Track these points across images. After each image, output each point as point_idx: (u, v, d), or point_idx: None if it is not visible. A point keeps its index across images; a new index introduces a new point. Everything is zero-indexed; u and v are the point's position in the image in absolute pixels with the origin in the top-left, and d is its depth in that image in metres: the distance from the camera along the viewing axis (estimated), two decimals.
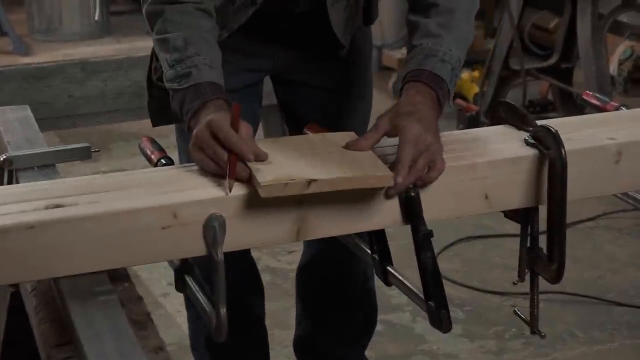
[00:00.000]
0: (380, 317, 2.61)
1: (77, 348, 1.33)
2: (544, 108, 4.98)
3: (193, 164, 1.61)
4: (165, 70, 1.72)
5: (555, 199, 1.62)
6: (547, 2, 4.83)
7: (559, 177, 1.62)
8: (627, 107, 1.95)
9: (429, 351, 3.05)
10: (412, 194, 1.58)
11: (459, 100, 5.02)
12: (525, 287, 1.75)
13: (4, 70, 3.46)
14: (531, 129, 1.70)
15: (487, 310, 3.29)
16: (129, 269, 1.58)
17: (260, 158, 1.54)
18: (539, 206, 1.70)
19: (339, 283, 2.46)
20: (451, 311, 1.60)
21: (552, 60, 4.79)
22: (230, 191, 1.49)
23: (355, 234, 1.76)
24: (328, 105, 2.21)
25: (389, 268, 1.73)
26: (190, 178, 1.56)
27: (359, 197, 1.56)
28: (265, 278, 2.53)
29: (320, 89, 2.21)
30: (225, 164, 1.52)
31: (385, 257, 1.74)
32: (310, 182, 1.48)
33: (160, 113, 1.95)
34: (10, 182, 1.80)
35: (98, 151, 1.91)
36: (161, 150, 1.74)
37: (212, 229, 1.48)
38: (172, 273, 1.63)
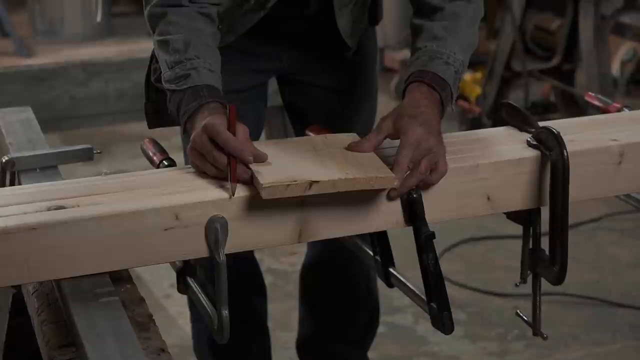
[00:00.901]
0: (382, 318, 2.61)
1: (79, 350, 1.33)
2: (546, 109, 4.98)
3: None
4: (164, 71, 1.72)
5: (558, 201, 1.62)
6: (549, 4, 4.83)
7: (561, 179, 1.61)
8: (630, 109, 1.94)
9: (431, 353, 3.05)
10: (414, 196, 1.58)
11: (461, 102, 5.02)
12: (527, 288, 1.75)
13: (6, 71, 3.46)
14: (533, 130, 1.70)
15: (489, 312, 3.29)
16: (131, 271, 1.58)
17: (260, 159, 1.54)
18: (541, 207, 1.70)
19: (342, 283, 2.46)
20: (453, 313, 1.60)
21: (555, 62, 4.79)
22: (233, 194, 1.49)
23: (357, 235, 1.76)
24: (334, 106, 2.21)
25: (391, 270, 1.73)
26: (192, 180, 1.56)
27: (361, 198, 1.56)
28: (267, 280, 2.53)
29: (326, 89, 2.21)
30: (225, 167, 1.52)
31: (387, 258, 1.74)
32: (311, 183, 1.48)
33: (157, 115, 1.95)
34: (12, 184, 1.80)
35: (100, 152, 1.91)
36: (163, 151, 1.74)
37: (214, 230, 1.48)
38: (174, 275, 1.63)
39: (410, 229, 1.60)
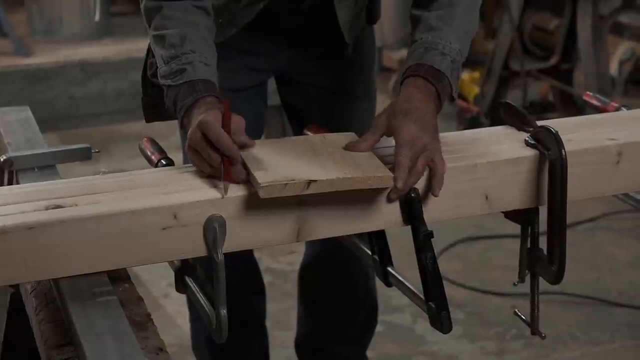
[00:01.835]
0: (380, 318, 2.61)
1: (77, 349, 1.33)
2: (544, 109, 4.99)
3: (188, 164, 1.61)
4: (160, 66, 1.71)
5: (556, 200, 1.62)
6: (547, 3, 4.83)
7: (560, 178, 1.62)
8: (628, 108, 1.95)
9: (429, 352, 3.05)
10: (412, 195, 1.58)
11: (459, 101, 5.03)
12: (525, 288, 1.75)
13: (4, 71, 3.46)
14: (531, 129, 1.70)
15: (487, 311, 3.29)
16: (129, 270, 1.58)
17: (247, 145, 1.54)
18: (539, 207, 1.70)
19: (340, 282, 2.46)
20: (451, 312, 1.60)
21: (553, 61, 4.79)
22: (225, 193, 1.49)
23: (356, 234, 1.76)
24: (332, 106, 2.21)
25: (389, 269, 1.73)
26: (190, 179, 1.56)
27: (359, 198, 1.56)
28: (265, 279, 2.53)
29: (325, 89, 2.21)
30: (219, 166, 1.52)
31: (385, 258, 1.74)
32: (309, 182, 1.48)
33: (154, 109, 1.95)
34: (10, 183, 1.80)
35: (98, 152, 1.91)
36: (161, 151, 1.74)
37: (213, 229, 1.48)
38: (172, 274, 1.63)
39: (408, 228, 1.60)
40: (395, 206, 1.59)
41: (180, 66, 1.67)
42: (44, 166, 1.80)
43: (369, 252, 1.76)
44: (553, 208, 1.63)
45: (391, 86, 5.51)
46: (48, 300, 1.52)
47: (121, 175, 1.60)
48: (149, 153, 1.75)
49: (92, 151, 1.88)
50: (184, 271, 1.60)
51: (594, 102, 2.00)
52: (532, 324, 1.75)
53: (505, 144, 1.71)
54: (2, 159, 1.79)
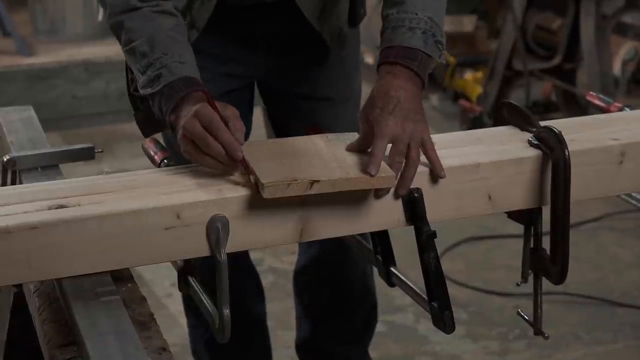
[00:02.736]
0: (383, 317, 2.60)
1: (80, 349, 1.33)
2: (547, 109, 4.98)
3: (191, 164, 1.60)
4: (138, 78, 1.70)
5: (559, 200, 1.62)
6: (550, 3, 4.83)
7: (563, 178, 1.61)
8: (631, 108, 1.94)
9: (432, 352, 3.05)
10: (415, 195, 1.58)
11: (462, 101, 5.03)
12: (528, 288, 1.75)
13: (7, 70, 3.47)
14: (534, 129, 1.70)
15: (490, 311, 3.28)
16: (132, 270, 1.58)
17: (239, 142, 1.55)
18: (542, 207, 1.70)
19: (336, 283, 2.45)
20: (454, 312, 1.60)
21: (556, 61, 4.79)
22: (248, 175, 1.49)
23: (359, 234, 1.76)
24: (314, 115, 2.17)
25: (392, 269, 1.73)
26: (193, 179, 1.56)
27: (361, 197, 1.56)
28: (268, 279, 2.53)
29: (305, 97, 2.17)
30: (222, 157, 1.52)
31: (388, 258, 1.73)
32: (312, 183, 1.48)
33: (148, 122, 1.92)
34: (13, 183, 1.80)
35: (101, 152, 1.91)
36: (164, 150, 1.74)
37: (216, 229, 1.48)
38: (175, 274, 1.63)
39: (411, 228, 1.60)
40: (398, 206, 1.59)
41: (155, 72, 1.66)
42: (47, 166, 1.80)
43: (372, 251, 1.76)
44: (556, 208, 1.63)
45: None
46: (51, 299, 1.52)
47: (124, 175, 1.60)
48: (152, 153, 1.75)
49: (95, 151, 1.88)
50: (186, 271, 1.60)
51: (597, 102, 2.00)
52: (535, 324, 1.74)
53: (509, 144, 1.71)
54: (5, 159, 1.79)
